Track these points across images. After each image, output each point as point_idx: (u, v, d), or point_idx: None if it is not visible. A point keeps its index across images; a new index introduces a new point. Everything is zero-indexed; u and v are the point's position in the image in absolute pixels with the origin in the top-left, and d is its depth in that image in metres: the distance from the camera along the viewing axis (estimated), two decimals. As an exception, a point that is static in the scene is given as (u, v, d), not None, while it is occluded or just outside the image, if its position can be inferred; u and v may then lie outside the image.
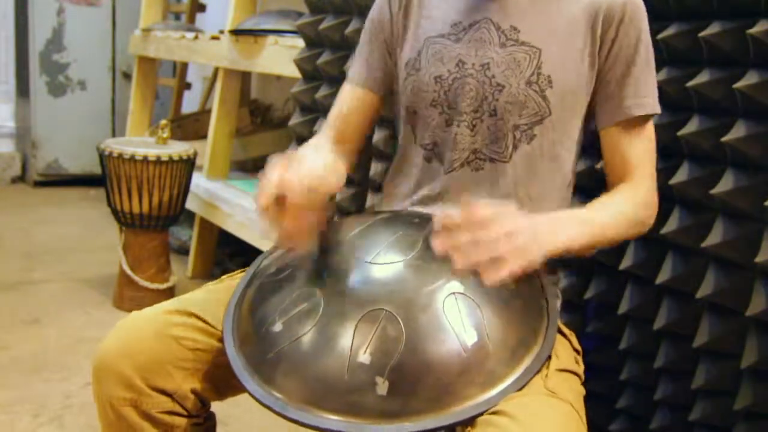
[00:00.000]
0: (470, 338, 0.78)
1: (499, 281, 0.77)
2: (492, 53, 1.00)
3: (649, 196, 1.01)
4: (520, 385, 0.79)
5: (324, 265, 0.86)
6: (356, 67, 1.14)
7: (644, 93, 0.99)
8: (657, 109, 1.01)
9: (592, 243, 0.92)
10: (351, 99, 1.13)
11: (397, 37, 1.10)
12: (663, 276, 1.19)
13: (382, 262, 0.84)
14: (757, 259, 1.06)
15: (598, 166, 1.26)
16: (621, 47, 0.99)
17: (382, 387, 0.75)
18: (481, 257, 0.78)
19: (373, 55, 1.12)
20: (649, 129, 1.02)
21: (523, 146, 1.01)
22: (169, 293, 2.40)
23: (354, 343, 0.77)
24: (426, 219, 0.96)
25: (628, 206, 0.97)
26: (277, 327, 0.82)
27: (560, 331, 0.95)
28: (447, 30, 1.04)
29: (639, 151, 1.00)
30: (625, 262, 1.25)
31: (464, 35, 1.02)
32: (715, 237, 1.12)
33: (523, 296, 0.86)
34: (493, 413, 0.76)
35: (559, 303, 1.10)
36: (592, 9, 0.99)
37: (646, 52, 1.00)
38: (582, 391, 0.90)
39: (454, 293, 0.80)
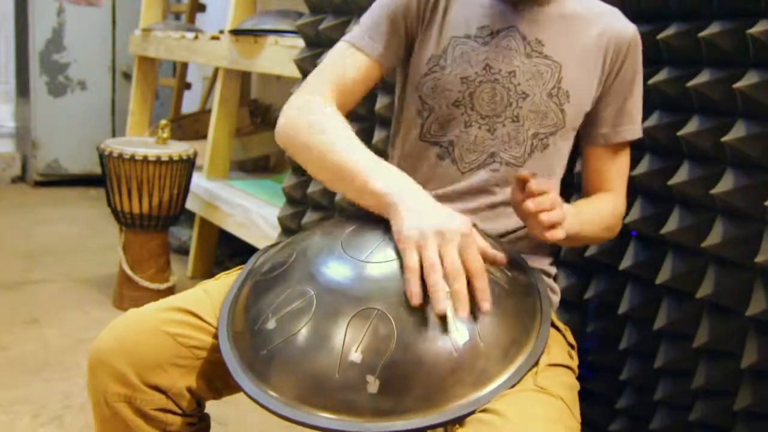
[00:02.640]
0: (461, 337, 0.78)
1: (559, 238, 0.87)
2: (518, 62, 1.04)
3: (623, 209, 1.13)
4: (511, 384, 0.79)
5: (318, 264, 0.86)
6: (371, 39, 1.06)
7: (636, 120, 1.10)
8: (641, 132, 1.12)
9: (574, 237, 0.99)
10: (360, 68, 1.06)
11: (420, 27, 1.07)
12: (663, 276, 1.19)
13: (375, 261, 0.84)
14: (757, 259, 1.06)
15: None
16: (624, 78, 1.07)
17: (373, 385, 0.75)
18: (557, 218, 0.87)
19: (390, 36, 1.06)
20: (629, 151, 1.13)
21: (537, 153, 1.06)
22: (169, 293, 2.39)
23: (345, 342, 0.77)
24: None
25: (606, 213, 1.08)
26: (271, 324, 0.82)
27: (554, 326, 0.96)
28: (473, 32, 1.05)
29: (619, 168, 1.12)
30: (625, 262, 1.25)
31: (491, 40, 1.04)
32: (715, 237, 1.12)
33: (516, 295, 0.87)
34: (483, 410, 0.76)
35: (556, 299, 1.10)
36: (604, 38, 1.06)
37: (641, 83, 1.09)
38: (576, 385, 0.90)
39: (446, 292, 0.80)
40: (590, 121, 1.10)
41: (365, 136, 1.72)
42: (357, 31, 1.08)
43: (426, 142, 1.08)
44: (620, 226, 1.13)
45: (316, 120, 0.97)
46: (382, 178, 0.87)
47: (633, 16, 1.24)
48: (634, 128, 1.10)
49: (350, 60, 1.06)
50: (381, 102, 1.64)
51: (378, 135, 1.65)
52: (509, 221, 1.05)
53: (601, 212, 1.07)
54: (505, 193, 1.06)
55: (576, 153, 1.33)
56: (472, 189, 1.06)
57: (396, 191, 0.85)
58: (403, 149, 1.12)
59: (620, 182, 1.12)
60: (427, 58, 1.06)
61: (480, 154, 1.05)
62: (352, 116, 1.75)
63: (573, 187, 1.32)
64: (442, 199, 1.05)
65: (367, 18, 1.08)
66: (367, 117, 1.73)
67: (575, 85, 1.04)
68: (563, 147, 1.08)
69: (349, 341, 0.77)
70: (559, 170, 1.11)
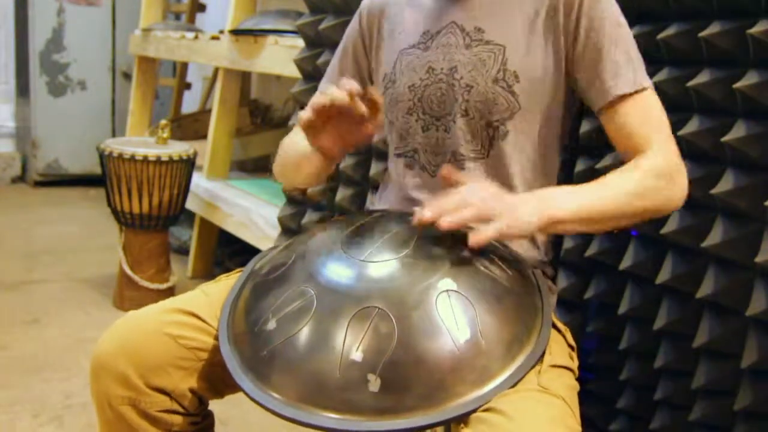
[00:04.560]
0: (463, 335, 0.78)
1: (486, 240, 0.80)
2: (459, 56, 1.03)
3: (661, 164, 0.93)
4: (513, 382, 0.79)
5: (317, 264, 0.86)
6: (330, 82, 1.17)
7: (623, 71, 0.96)
8: (643, 82, 0.96)
9: (588, 216, 0.89)
10: None
11: (371, 53, 1.15)
12: (663, 276, 1.19)
13: (374, 260, 0.84)
14: (757, 259, 1.06)
15: (598, 165, 1.26)
16: (587, 32, 0.97)
17: (374, 384, 0.75)
18: (467, 215, 0.80)
19: (345, 72, 1.17)
20: (647, 101, 0.97)
21: (497, 143, 1.03)
22: (169, 293, 2.40)
23: (346, 341, 0.77)
24: None
25: (628, 179, 0.93)
26: (271, 325, 0.82)
27: (555, 327, 0.96)
28: (417, 40, 1.07)
29: (637, 126, 0.95)
30: (625, 262, 1.25)
31: (432, 42, 1.06)
32: (715, 237, 1.12)
33: (516, 293, 0.87)
34: (486, 410, 0.76)
35: (554, 299, 1.10)
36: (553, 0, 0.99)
37: (614, 29, 0.97)
38: (576, 386, 0.90)
39: (447, 290, 0.80)
40: (577, 89, 1.01)
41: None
42: (328, 74, 1.20)
43: (396, 156, 1.11)
44: (677, 182, 0.94)
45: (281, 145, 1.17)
46: None
47: (633, 16, 1.24)
48: (623, 80, 0.96)
49: None
50: (375, 168, 1.65)
51: (377, 135, 1.65)
52: None
53: (619, 184, 0.92)
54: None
55: (575, 154, 1.33)
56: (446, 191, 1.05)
57: None
58: (388, 169, 1.15)
59: (649, 132, 0.95)
60: (383, 77, 1.11)
61: (444, 156, 1.05)
62: (347, 181, 1.76)
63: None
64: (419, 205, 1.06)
65: (334, 57, 1.21)
66: (359, 182, 1.75)
67: (525, 62, 0.99)
68: (531, 128, 1.01)
69: (350, 340, 0.77)
70: (543, 156, 1.04)
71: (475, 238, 0.80)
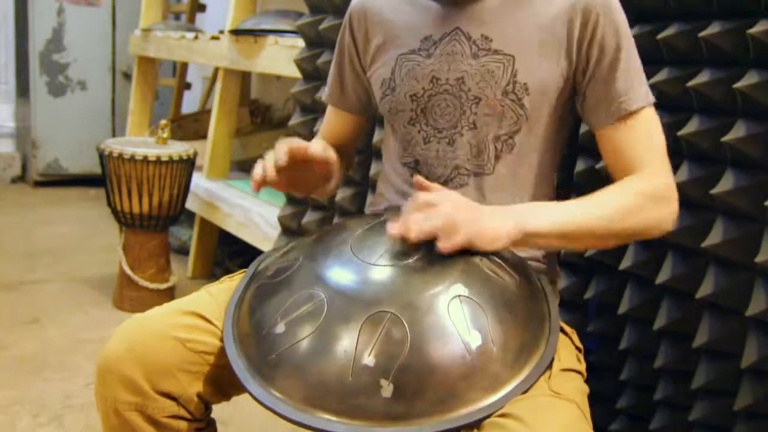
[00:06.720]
0: (474, 341, 0.77)
1: (453, 248, 0.82)
2: (465, 66, 0.99)
3: (653, 184, 0.93)
4: (524, 389, 0.79)
5: (327, 267, 0.86)
6: (332, 86, 1.19)
7: (636, 85, 0.95)
8: (650, 98, 0.96)
9: (567, 230, 0.88)
10: (333, 118, 1.21)
11: (365, 57, 1.11)
12: (663, 276, 1.19)
13: (385, 264, 0.84)
14: (757, 259, 1.06)
15: (598, 166, 1.26)
16: (603, 46, 0.95)
17: (387, 389, 0.74)
18: (432, 225, 0.82)
19: (345, 79, 1.17)
20: (649, 121, 0.96)
21: (505, 156, 1.00)
22: (169, 293, 2.40)
23: (358, 345, 0.76)
24: None
25: (619, 197, 0.91)
26: (280, 328, 0.81)
27: (562, 330, 0.95)
28: (417, 45, 1.02)
29: (642, 148, 0.95)
30: (625, 262, 1.25)
31: (435, 50, 1.01)
32: (715, 237, 1.12)
33: (525, 299, 0.86)
34: (500, 415, 0.76)
35: (557, 302, 1.10)
36: (568, 10, 0.95)
37: (628, 44, 0.96)
38: (585, 389, 0.90)
39: (458, 296, 0.80)
40: (582, 104, 0.99)
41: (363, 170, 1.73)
42: (329, 81, 1.20)
43: (397, 164, 1.08)
44: (672, 210, 0.94)
45: None
46: None
47: (633, 16, 1.25)
48: (636, 95, 0.94)
49: (328, 112, 1.22)
50: (375, 168, 1.66)
51: (378, 135, 1.65)
52: None
53: (601, 201, 0.91)
54: (489, 202, 1.01)
55: (575, 154, 1.33)
56: None
57: None
58: (387, 160, 1.12)
59: (645, 154, 0.94)
60: (381, 83, 1.07)
61: (445, 169, 1.02)
62: (347, 181, 1.75)
63: (572, 189, 1.32)
64: None
65: (332, 63, 1.19)
66: (360, 182, 1.76)
67: (535, 73, 0.96)
68: (535, 140, 1.00)
69: (362, 345, 0.76)
70: (545, 167, 1.03)
71: (443, 246, 0.82)
